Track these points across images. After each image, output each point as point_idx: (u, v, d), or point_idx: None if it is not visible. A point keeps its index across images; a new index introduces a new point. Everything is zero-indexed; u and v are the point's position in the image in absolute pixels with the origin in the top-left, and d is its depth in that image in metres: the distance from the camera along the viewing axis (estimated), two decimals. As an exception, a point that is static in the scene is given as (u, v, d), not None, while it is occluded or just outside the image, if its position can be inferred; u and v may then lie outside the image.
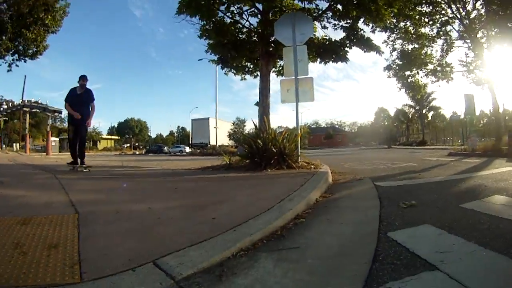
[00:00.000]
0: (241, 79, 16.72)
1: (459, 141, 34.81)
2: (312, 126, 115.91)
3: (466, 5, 20.82)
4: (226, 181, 6.73)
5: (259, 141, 8.26)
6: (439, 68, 23.44)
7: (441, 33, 23.01)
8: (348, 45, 14.97)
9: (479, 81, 21.77)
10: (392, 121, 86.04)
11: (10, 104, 38.97)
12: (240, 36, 14.55)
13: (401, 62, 23.89)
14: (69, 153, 9.58)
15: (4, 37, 22.54)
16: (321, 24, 15.06)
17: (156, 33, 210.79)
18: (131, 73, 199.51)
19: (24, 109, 37.88)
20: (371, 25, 15.16)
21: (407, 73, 24.07)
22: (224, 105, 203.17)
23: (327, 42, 15.02)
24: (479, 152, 15.92)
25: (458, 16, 21.33)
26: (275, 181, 6.18)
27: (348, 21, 14.33)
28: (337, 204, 4.45)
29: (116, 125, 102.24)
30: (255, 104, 12.32)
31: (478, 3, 20.41)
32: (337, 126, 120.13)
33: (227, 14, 13.90)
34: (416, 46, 23.17)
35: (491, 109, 20.48)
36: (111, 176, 8.45)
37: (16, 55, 24.17)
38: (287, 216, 3.46)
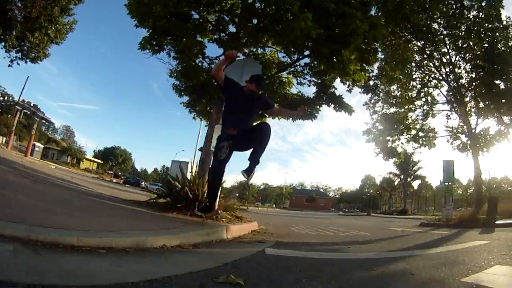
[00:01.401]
0: (206, 126, 15.74)
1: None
2: (297, 188, 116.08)
3: (456, 69, 21.31)
4: (126, 210, 7.56)
5: (176, 183, 8.31)
6: (421, 134, 23.55)
7: (428, 98, 23.62)
8: (319, 102, 15.13)
9: (464, 148, 21.79)
10: (376, 189, 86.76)
11: (6, 97, 39.71)
12: (202, 78, 13.99)
13: (382, 127, 23.73)
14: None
15: (12, 34, 23.87)
16: (297, 79, 15.48)
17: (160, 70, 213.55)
18: (132, 102, 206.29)
19: (17, 107, 39.11)
20: (347, 83, 14.93)
21: (388, 138, 23.59)
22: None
23: (299, 98, 15.27)
24: (453, 222, 15.47)
25: (447, 79, 21.79)
26: (161, 219, 6.47)
27: (321, 77, 14.60)
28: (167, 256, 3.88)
29: (102, 149, 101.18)
30: (198, 149, 12.04)
31: (467, 66, 21.02)
32: (321, 190, 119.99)
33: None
34: (400, 110, 23.53)
35: (474, 176, 20.31)
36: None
37: (20, 53, 25.47)
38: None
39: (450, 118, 23.12)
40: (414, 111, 24.00)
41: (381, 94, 23.50)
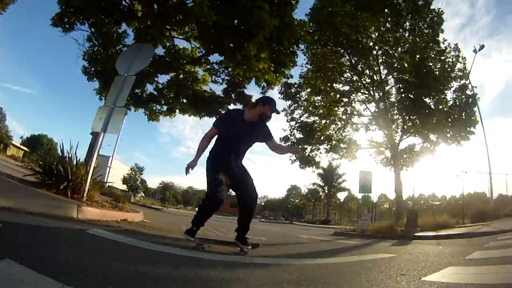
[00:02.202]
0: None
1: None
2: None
3: (385, 87, 21.59)
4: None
5: (52, 161, 7.97)
6: (343, 145, 23.44)
7: (353, 111, 23.84)
8: (228, 100, 15.15)
9: (387, 162, 21.86)
10: (300, 199, 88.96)
11: None
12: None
13: (300, 135, 23.33)
14: None
15: None
16: (212, 77, 15.46)
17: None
18: (72, 91, 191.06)
19: None
20: (262, 85, 14.58)
21: (306, 146, 23.15)
22: (147, 154, 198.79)
23: (211, 96, 15.24)
24: (369, 233, 15.34)
25: (375, 96, 22.02)
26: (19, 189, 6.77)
27: (229, 72, 14.61)
28: None
29: (28, 136, 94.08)
30: (90, 133, 11.20)
31: (397, 85, 20.99)
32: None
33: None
34: (322, 120, 23.40)
35: (395, 190, 20.35)
36: None
37: None
38: None
39: (370, 130, 23.70)
40: (337, 122, 24.01)
41: (302, 102, 23.38)
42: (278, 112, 5.51)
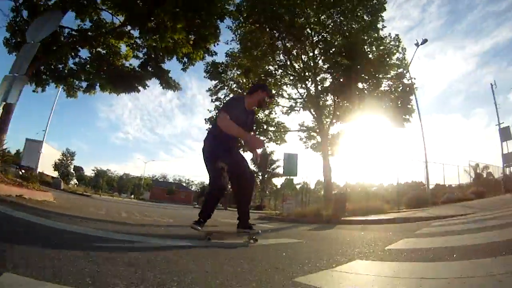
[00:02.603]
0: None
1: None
2: (160, 180, 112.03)
3: (318, 72, 20.74)
4: None
5: None
6: (272, 128, 22.68)
7: (283, 94, 22.71)
8: (146, 75, 14.75)
9: (318, 147, 21.39)
10: None
11: None
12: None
13: None
14: None
15: None
16: (134, 52, 14.95)
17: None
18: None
19: None
20: (183, 60, 14.08)
21: None
22: (85, 141, 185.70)
23: (130, 71, 14.72)
24: (293, 217, 14.87)
25: (306, 81, 21.20)
26: None
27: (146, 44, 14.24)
28: None
29: None
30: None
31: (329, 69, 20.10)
32: (184, 184, 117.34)
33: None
34: None
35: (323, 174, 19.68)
36: None
37: None
38: None
39: (298, 112, 22.84)
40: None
41: (228, 82, 22.20)
42: (273, 97, 5.72)
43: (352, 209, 15.10)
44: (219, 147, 5.04)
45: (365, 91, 19.23)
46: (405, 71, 20.07)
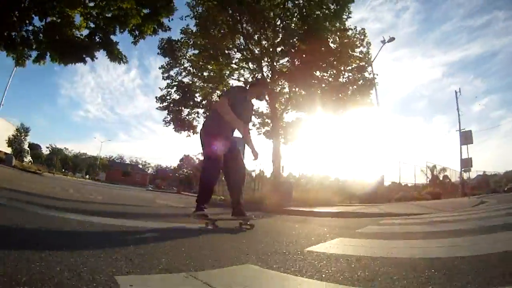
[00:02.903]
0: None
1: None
2: (116, 160, 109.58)
3: (274, 56, 19.60)
4: None
5: None
6: None
7: (241, 79, 21.61)
8: (92, 45, 13.92)
9: (271, 134, 20.51)
10: (191, 169, 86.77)
11: None
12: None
13: (178, 95, 21.05)
14: None
15: None
16: (87, 23, 13.89)
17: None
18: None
19: None
20: (135, 33, 13.65)
21: (183, 108, 21.11)
22: (45, 117, 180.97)
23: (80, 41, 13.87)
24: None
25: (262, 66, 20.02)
26: None
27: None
28: None
29: None
30: None
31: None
32: (140, 166, 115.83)
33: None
34: (204, 84, 21.26)
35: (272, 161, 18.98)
36: None
37: None
38: None
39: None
40: (221, 87, 21.47)
41: (181, 60, 20.86)
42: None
43: (299, 199, 14.45)
44: (220, 134, 5.12)
45: (324, 81, 18.68)
46: (367, 65, 19.74)
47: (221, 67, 20.29)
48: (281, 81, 20.53)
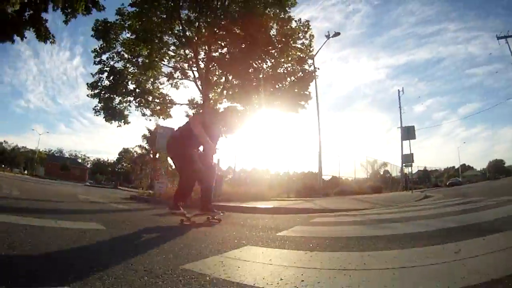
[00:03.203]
0: None
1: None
2: (56, 154, 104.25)
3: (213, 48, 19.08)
4: None
5: None
6: (157, 101, 20.86)
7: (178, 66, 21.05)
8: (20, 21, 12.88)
9: None
10: (129, 163, 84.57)
11: None
12: None
13: (109, 82, 19.41)
14: None
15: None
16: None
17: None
18: None
19: None
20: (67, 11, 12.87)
21: (115, 96, 19.67)
22: None
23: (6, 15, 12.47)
24: (164, 198, 12.71)
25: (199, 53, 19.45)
26: None
27: None
28: None
29: None
30: None
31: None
32: (79, 160, 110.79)
33: None
34: (134, 69, 20.00)
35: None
36: None
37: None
38: None
39: (186, 87, 21.94)
40: (157, 77, 20.84)
41: (114, 43, 19.43)
42: None
43: (230, 194, 13.71)
44: (195, 143, 5.85)
45: (261, 71, 18.29)
46: (308, 58, 19.47)
47: (156, 53, 19.19)
48: (218, 71, 19.88)
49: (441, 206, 8.50)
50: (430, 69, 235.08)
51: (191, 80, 20.45)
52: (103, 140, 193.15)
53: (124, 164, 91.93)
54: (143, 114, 20.78)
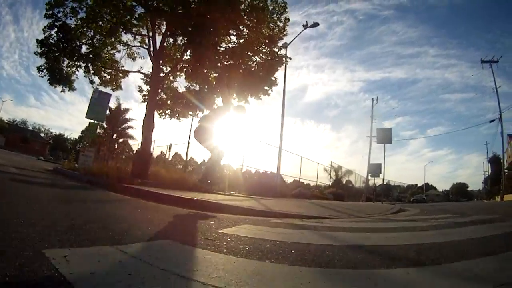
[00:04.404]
0: None
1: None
2: (20, 125, 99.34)
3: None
4: None
5: None
6: (108, 70, 18.91)
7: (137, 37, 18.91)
8: None
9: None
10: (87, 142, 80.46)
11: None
12: None
13: (58, 40, 16.66)
14: None
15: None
16: None
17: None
18: None
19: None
20: None
21: (66, 60, 17.14)
22: None
23: None
24: (92, 173, 12.07)
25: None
26: None
27: None
28: None
29: None
30: None
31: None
32: (42, 135, 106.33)
33: None
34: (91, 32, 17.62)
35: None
36: None
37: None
38: None
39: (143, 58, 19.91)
40: (114, 44, 18.83)
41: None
42: None
43: (160, 177, 12.35)
44: None
45: (222, 45, 16.83)
46: (278, 40, 17.59)
47: (119, 19, 16.78)
48: (178, 41, 18.12)
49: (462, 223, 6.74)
50: (404, 89, 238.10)
51: (145, 48, 18.36)
52: (71, 118, 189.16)
53: (85, 143, 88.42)
54: (91, 82, 18.64)
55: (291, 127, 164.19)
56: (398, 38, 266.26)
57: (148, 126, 15.85)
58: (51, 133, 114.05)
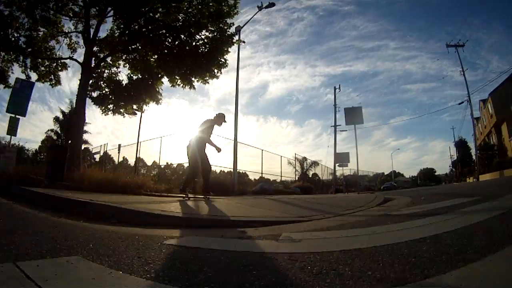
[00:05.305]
0: None
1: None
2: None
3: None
4: None
5: None
6: (46, 62, 16.93)
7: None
8: None
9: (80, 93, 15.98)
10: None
11: None
12: None
13: None
14: None
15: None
16: None
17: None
18: None
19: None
20: None
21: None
22: None
23: None
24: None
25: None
26: None
27: None
28: None
29: None
30: None
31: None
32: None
33: None
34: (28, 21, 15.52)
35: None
36: None
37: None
38: None
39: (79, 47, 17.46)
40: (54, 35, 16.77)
41: None
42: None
43: (84, 178, 10.28)
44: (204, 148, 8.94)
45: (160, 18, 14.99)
46: (226, 15, 15.71)
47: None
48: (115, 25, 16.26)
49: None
50: (365, 81, 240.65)
51: (79, 32, 16.58)
52: (33, 129, 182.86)
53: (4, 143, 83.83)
54: (27, 77, 16.48)
55: (253, 125, 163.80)
56: (359, 32, 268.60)
57: (77, 118, 14.61)
58: (13, 145, 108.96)
